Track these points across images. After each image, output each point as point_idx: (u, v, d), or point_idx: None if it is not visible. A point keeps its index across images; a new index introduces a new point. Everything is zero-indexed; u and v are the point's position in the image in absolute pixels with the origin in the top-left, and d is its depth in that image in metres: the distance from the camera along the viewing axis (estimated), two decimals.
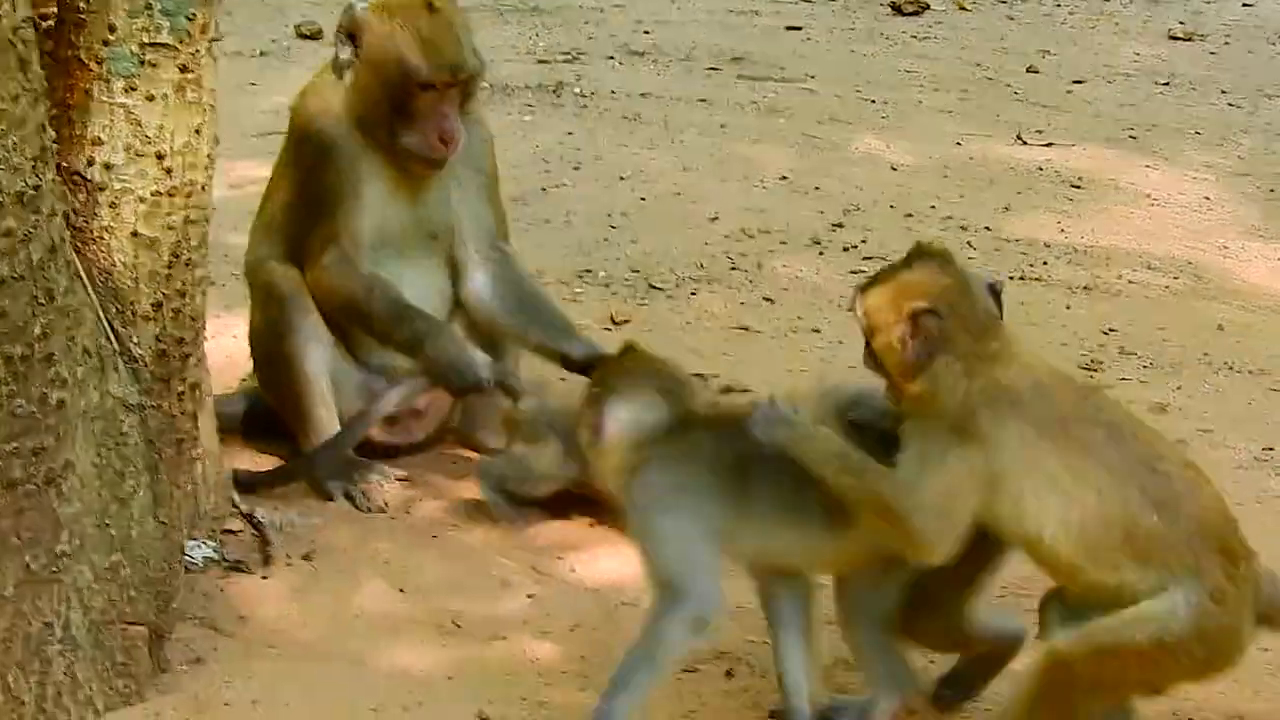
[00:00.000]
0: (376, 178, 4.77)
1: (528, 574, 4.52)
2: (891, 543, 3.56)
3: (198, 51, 3.88)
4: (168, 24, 3.83)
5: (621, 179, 7.38)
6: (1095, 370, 5.85)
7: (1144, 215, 7.26)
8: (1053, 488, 3.43)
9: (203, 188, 3.97)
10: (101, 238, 3.87)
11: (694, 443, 3.79)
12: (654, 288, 6.34)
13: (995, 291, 3.65)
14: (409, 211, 4.81)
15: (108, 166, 3.85)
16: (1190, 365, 5.91)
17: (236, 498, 4.71)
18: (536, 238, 6.78)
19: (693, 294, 6.30)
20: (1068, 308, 6.32)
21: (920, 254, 3.65)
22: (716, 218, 7.01)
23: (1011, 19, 10.21)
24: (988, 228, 7.04)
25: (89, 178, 3.85)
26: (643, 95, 8.50)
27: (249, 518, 4.66)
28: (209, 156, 3.97)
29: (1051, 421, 3.50)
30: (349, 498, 4.82)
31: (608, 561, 4.40)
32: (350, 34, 4.74)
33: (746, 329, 6.06)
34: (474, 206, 4.84)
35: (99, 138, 3.84)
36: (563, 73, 8.80)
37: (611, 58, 9.11)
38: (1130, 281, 6.59)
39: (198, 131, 3.92)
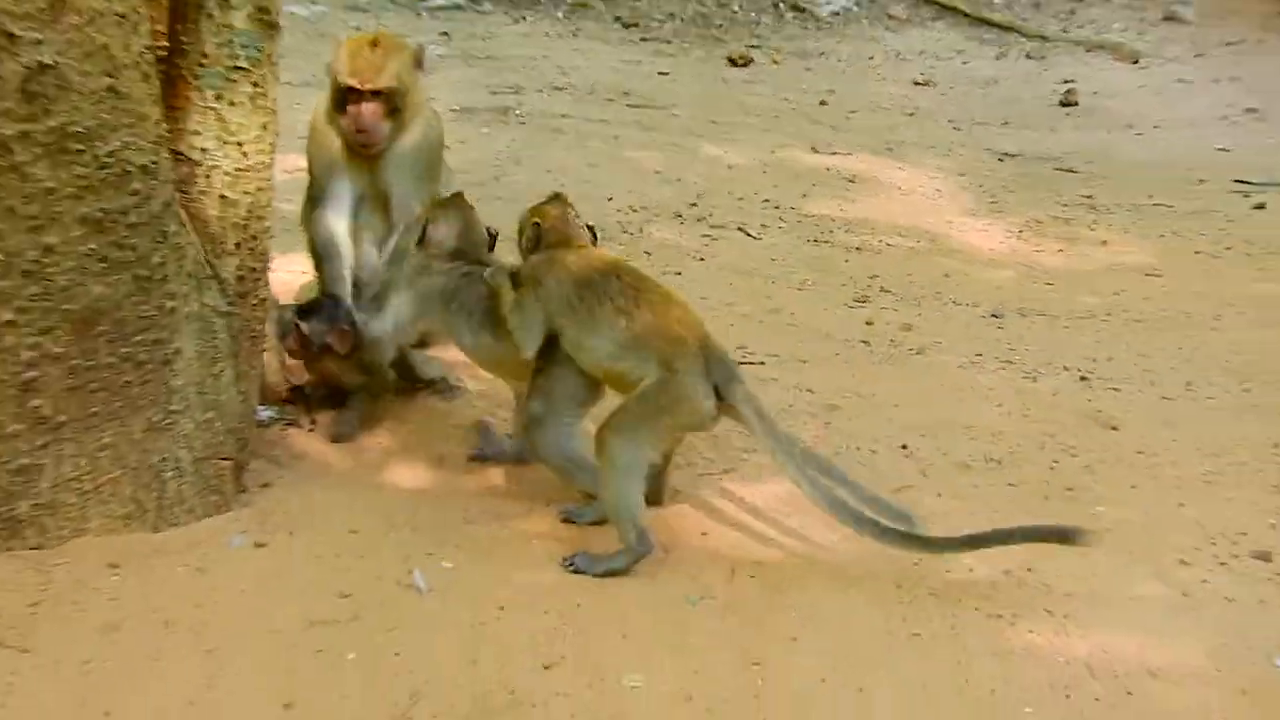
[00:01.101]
0: (344, 155, 4.69)
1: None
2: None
3: (264, 74, 3.85)
4: (243, 53, 3.79)
5: (547, 172, 7.36)
6: (865, 302, 5.91)
7: (896, 201, 7.32)
8: (576, 320, 3.95)
9: (268, 166, 3.94)
10: (199, 199, 3.83)
11: (457, 267, 4.24)
12: None
13: (590, 229, 4.28)
14: (367, 181, 4.70)
15: (203, 150, 3.81)
16: (927, 300, 5.98)
17: (291, 376, 4.67)
18: (491, 209, 6.64)
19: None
20: (846, 261, 6.38)
21: (553, 197, 4.27)
22: (612, 198, 7.01)
23: (809, 70, 10.24)
24: (792, 207, 7.09)
25: (191, 158, 3.81)
26: (562, 116, 8.47)
27: (299, 389, 4.63)
28: (272, 144, 3.94)
29: (583, 284, 3.96)
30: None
31: None
32: (331, 53, 4.70)
33: None
34: (404, 183, 4.70)
35: (197, 130, 3.80)
36: (509, 101, 8.76)
37: (541, 91, 9.06)
38: (888, 244, 6.65)
39: (264, 127, 3.89)
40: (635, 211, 6.85)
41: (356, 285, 4.70)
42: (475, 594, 3.58)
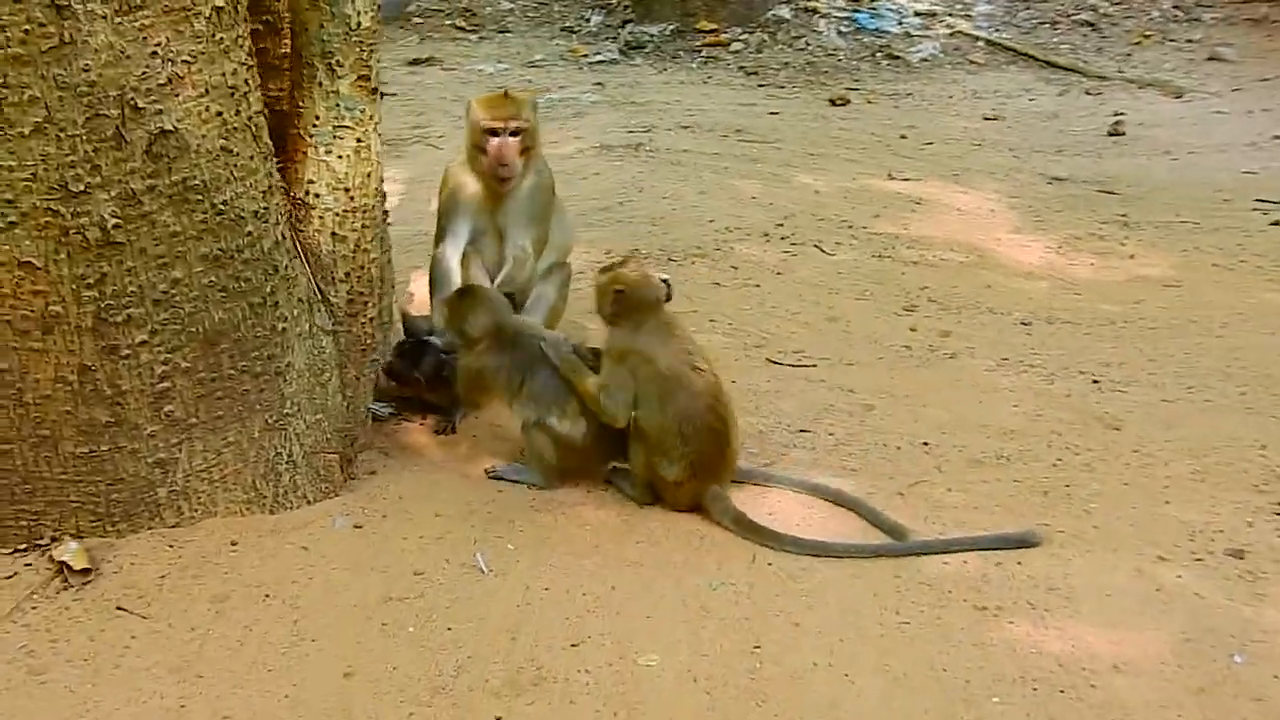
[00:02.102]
0: (474, 199, 4.39)
1: None
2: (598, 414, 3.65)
3: (366, 131, 3.62)
4: (348, 115, 3.57)
5: (664, 198, 7.00)
6: (912, 311, 5.44)
7: (954, 220, 6.77)
8: (649, 405, 3.56)
9: (373, 208, 3.70)
10: (314, 237, 3.63)
11: (501, 342, 3.80)
12: (671, 259, 5.98)
13: (667, 283, 3.68)
14: (487, 219, 4.41)
15: (316, 195, 3.61)
16: (968, 309, 5.48)
17: None
18: (610, 230, 6.45)
19: (692, 263, 5.94)
20: (902, 274, 5.88)
21: (627, 259, 3.72)
22: (712, 220, 6.61)
23: (896, 108, 9.66)
24: (864, 227, 6.59)
25: (306, 201, 3.60)
26: (684, 151, 8.07)
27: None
28: (376, 190, 3.71)
29: (661, 361, 3.54)
30: None
31: None
32: (466, 112, 4.40)
33: (718, 284, 5.69)
34: (519, 222, 4.40)
35: (311, 179, 3.60)
36: (641, 138, 8.38)
37: (670, 130, 8.67)
38: (941, 259, 6.13)
39: (368, 175, 3.66)
40: (730, 231, 6.45)
41: None
42: (527, 575, 3.29)
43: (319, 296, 3.60)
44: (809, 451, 4.06)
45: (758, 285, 5.69)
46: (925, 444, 4.12)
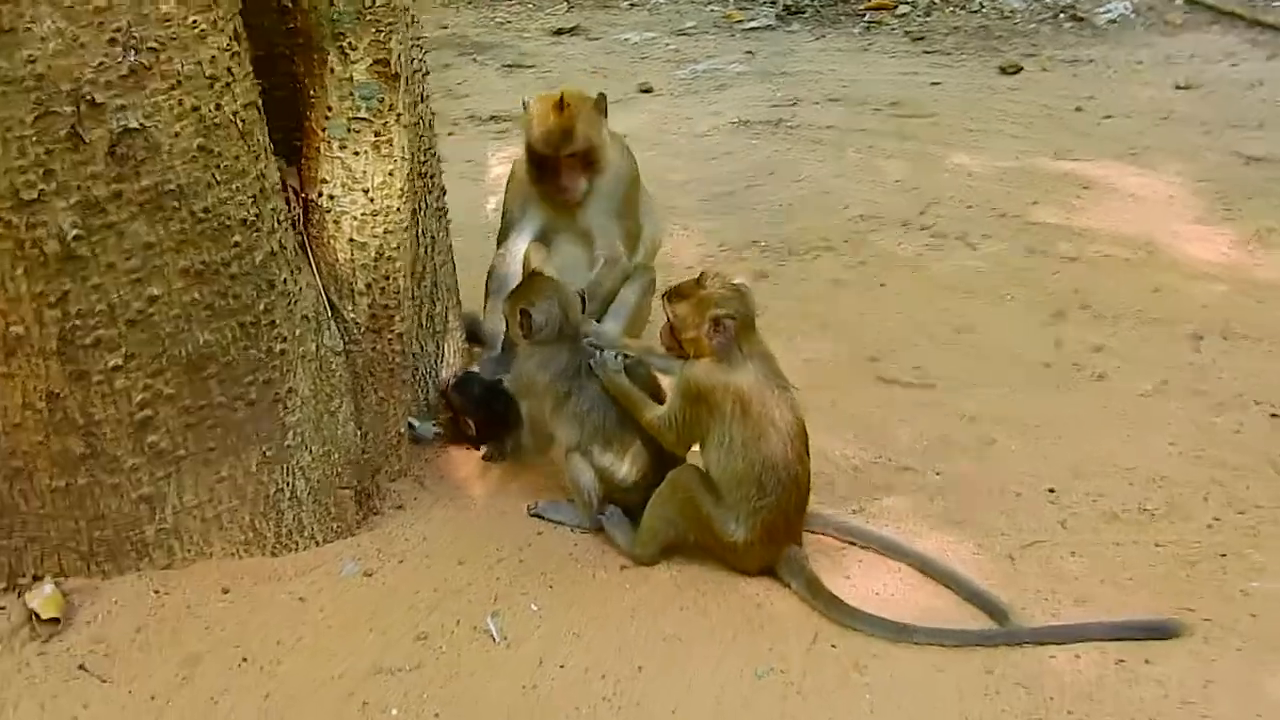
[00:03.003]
0: (544, 197, 3.95)
1: None
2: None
3: (387, 123, 3.15)
4: (364, 105, 3.11)
5: (795, 181, 6.38)
6: (1060, 319, 4.69)
7: (1124, 208, 5.92)
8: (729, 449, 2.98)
9: (397, 210, 3.23)
10: (329, 243, 3.20)
11: (560, 348, 3.28)
12: (792, 253, 5.38)
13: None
14: (568, 219, 3.96)
15: (331, 196, 3.17)
16: (1127, 317, 4.69)
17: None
18: (731, 218, 5.89)
19: (817, 257, 5.33)
20: (1055, 274, 5.12)
21: (703, 275, 3.05)
22: (846, 207, 5.95)
23: (1075, 76, 8.69)
24: (1018, 215, 5.82)
25: (320, 204, 3.17)
26: (828, 127, 7.41)
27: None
28: (401, 190, 3.23)
29: (754, 398, 2.96)
30: None
31: None
32: (525, 110, 3.93)
33: (839, 281, 5.07)
34: (602, 223, 3.94)
35: (325, 178, 3.16)
36: (784, 113, 7.74)
37: (817, 103, 7.98)
38: (1104, 255, 5.33)
39: (391, 174, 3.19)
40: (864, 220, 5.80)
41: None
42: (543, 645, 2.81)
43: (329, 313, 3.17)
44: (909, 496, 3.44)
45: (884, 285, 5.04)
46: (1051, 490, 3.45)
